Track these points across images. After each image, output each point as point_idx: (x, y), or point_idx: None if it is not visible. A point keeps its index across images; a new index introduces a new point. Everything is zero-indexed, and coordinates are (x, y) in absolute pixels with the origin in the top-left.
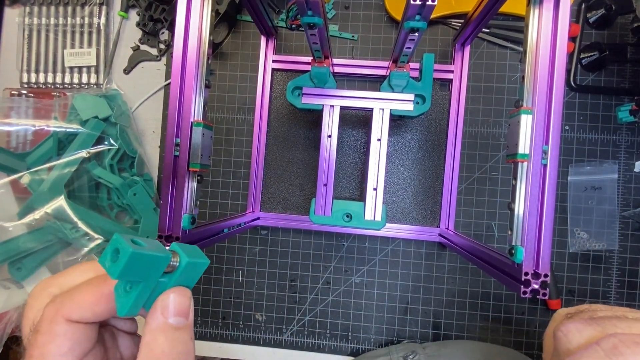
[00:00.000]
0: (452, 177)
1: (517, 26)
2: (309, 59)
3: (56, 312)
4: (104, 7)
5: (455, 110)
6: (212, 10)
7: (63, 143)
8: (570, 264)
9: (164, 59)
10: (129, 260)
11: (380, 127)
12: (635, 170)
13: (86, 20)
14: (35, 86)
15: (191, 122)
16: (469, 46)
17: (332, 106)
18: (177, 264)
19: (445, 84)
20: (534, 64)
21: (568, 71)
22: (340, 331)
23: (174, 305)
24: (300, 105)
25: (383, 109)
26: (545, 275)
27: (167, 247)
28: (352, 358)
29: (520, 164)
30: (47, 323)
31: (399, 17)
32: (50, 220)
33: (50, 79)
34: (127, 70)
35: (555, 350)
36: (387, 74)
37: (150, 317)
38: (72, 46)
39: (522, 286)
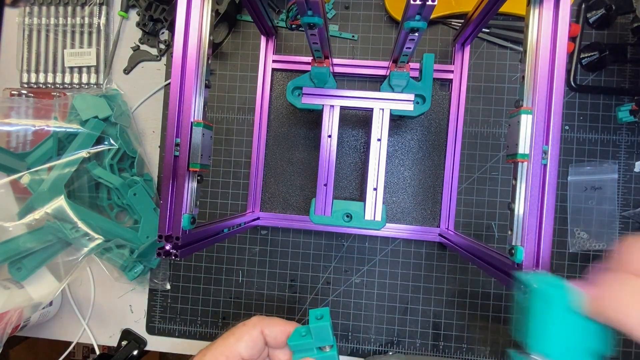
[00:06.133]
0: (452, 177)
1: (517, 26)
2: (309, 59)
3: (258, 322)
4: (104, 7)
5: (455, 110)
6: (212, 10)
7: (63, 143)
8: (571, 264)
9: (164, 59)
10: (322, 326)
11: (380, 127)
12: (635, 170)
13: (86, 20)
14: (35, 86)
15: (191, 122)
16: (469, 46)
17: (332, 106)
18: (329, 351)
19: (445, 84)
20: (534, 64)
21: (568, 71)
22: (340, 331)
23: None
24: (300, 105)
25: (383, 109)
26: None
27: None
28: (352, 358)
29: (520, 164)
30: (251, 324)
31: (399, 17)
32: (50, 220)
33: (50, 79)
34: (127, 70)
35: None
36: (387, 74)
37: None
38: (72, 46)
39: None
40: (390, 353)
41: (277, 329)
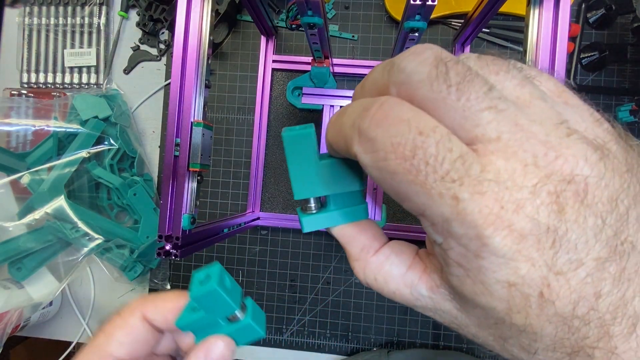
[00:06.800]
0: None
1: (517, 26)
2: (309, 59)
3: (137, 306)
4: (104, 7)
5: None
6: (212, 10)
7: (63, 143)
8: None
9: (164, 59)
10: (208, 292)
11: None
12: None
13: (86, 20)
14: (35, 86)
15: (191, 122)
16: (469, 46)
17: (332, 106)
18: (241, 319)
19: None
20: (534, 64)
21: (568, 71)
22: (340, 331)
23: (218, 352)
24: (300, 105)
25: None
26: None
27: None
28: (338, 356)
29: None
30: (127, 311)
31: (399, 17)
32: (50, 220)
33: (50, 79)
34: (127, 70)
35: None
36: None
37: (193, 355)
38: (72, 46)
39: None
40: (375, 349)
41: (165, 307)
